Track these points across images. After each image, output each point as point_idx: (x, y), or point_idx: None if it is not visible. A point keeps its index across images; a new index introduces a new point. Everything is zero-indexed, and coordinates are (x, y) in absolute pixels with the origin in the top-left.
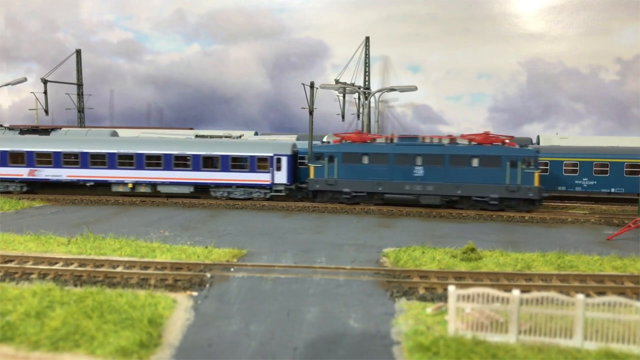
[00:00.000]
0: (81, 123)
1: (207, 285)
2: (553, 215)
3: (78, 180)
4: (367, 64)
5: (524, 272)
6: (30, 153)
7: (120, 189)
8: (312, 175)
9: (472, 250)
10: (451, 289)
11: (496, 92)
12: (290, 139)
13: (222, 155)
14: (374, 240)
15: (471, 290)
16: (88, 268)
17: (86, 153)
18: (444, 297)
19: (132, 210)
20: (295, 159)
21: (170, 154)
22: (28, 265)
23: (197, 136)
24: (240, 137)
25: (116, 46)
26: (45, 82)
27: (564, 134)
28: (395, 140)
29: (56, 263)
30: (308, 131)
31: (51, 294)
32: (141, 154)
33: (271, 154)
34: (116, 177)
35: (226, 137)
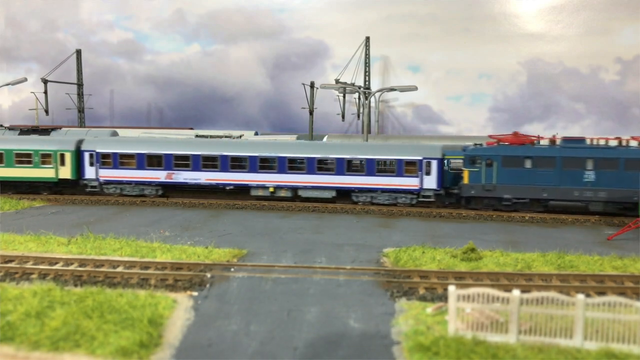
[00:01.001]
0: (81, 123)
1: (208, 285)
2: (553, 216)
3: (217, 184)
4: (367, 64)
5: (524, 272)
6: (168, 156)
7: (260, 192)
8: (466, 180)
9: (472, 250)
10: (451, 289)
11: (496, 92)
12: (438, 142)
13: (368, 159)
14: (374, 240)
15: (471, 290)
16: (88, 268)
17: (226, 156)
18: (444, 297)
19: (132, 210)
20: (443, 162)
21: (313, 158)
22: (28, 265)
23: (198, 136)
24: (240, 137)
25: (116, 46)
26: (45, 82)
27: (564, 133)
28: (560, 143)
29: (56, 263)
30: (308, 131)
31: (51, 294)
32: (283, 157)
33: (420, 158)
34: (257, 181)
35: (227, 136)
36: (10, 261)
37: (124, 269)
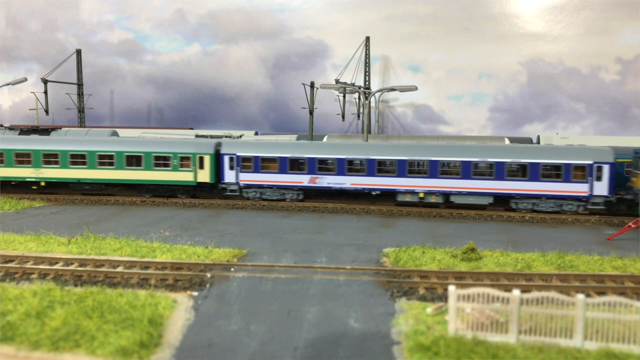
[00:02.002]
0: (81, 123)
1: (208, 285)
2: (553, 215)
3: (363, 188)
4: (367, 63)
5: (524, 272)
6: (312, 159)
7: (408, 198)
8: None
9: (473, 250)
10: (451, 288)
11: (496, 92)
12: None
13: (531, 163)
14: (374, 240)
15: (471, 290)
16: (88, 268)
17: (373, 160)
18: (444, 297)
19: (132, 211)
20: (615, 167)
21: (469, 161)
22: (28, 265)
23: (197, 136)
24: (240, 137)
25: (116, 46)
26: (45, 82)
27: (564, 133)
28: None
29: (56, 263)
30: (308, 131)
31: (51, 294)
32: (435, 161)
33: (590, 162)
34: (405, 186)
35: (227, 136)
36: (11, 261)
37: (124, 269)
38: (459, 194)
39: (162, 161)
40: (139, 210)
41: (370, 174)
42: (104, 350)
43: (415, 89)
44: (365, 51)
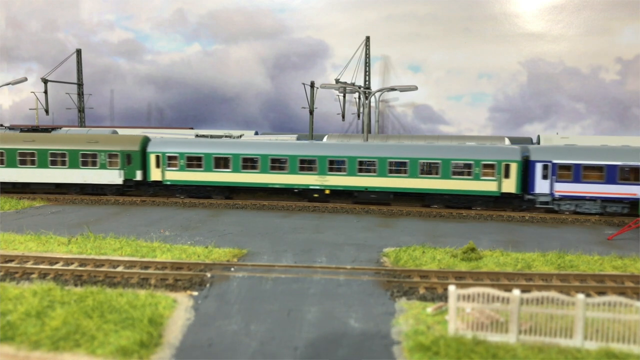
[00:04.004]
0: (81, 123)
1: (208, 285)
2: (553, 215)
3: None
4: (367, 63)
5: (524, 272)
6: None
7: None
8: None
9: (473, 250)
10: (451, 288)
11: (497, 92)
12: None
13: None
14: (374, 240)
15: (471, 290)
16: (88, 268)
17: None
18: (444, 297)
19: (132, 210)
20: None
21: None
22: (28, 265)
23: (198, 136)
24: (240, 136)
25: (116, 46)
26: (45, 81)
27: (564, 133)
28: None
29: (56, 263)
30: (308, 131)
31: (52, 294)
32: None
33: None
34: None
35: (227, 136)
36: (11, 261)
37: (124, 269)
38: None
39: (461, 169)
40: (139, 210)
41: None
42: (104, 350)
43: (415, 88)
44: (365, 51)
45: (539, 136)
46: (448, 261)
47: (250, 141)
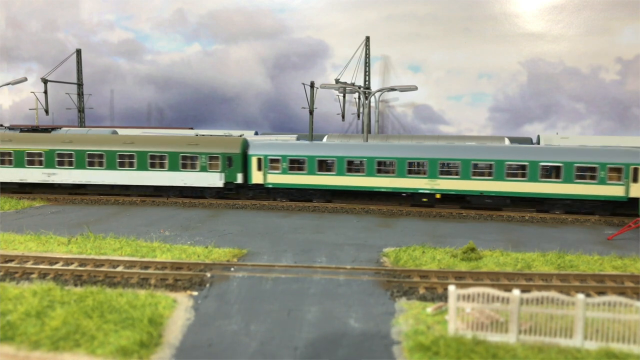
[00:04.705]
0: (81, 123)
1: (208, 285)
2: (553, 215)
3: None
4: (367, 63)
5: (524, 272)
6: None
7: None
8: None
9: (472, 250)
10: (451, 288)
11: (497, 92)
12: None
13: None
14: (374, 240)
15: (471, 290)
16: (88, 268)
17: None
18: (444, 297)
19: (132, 210)
20: None
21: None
22: (28, 265)
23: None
24: (241, 136)
25: (116, 46)
26: (45, 81)
27: (564, 133)
28: None
29: (56, 263)
30: (308, 131)
31: (51, 294)
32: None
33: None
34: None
35: (233, 136)
36: (11, 261)
37: (124, 269)
38: None
39: (585, 173)
40: (139, 210)
41: None
42: (104, 350)
43: (415, 88)
44: (365, 51)
45: (538, 136)
46: (448, 261)
47: (355, 144)
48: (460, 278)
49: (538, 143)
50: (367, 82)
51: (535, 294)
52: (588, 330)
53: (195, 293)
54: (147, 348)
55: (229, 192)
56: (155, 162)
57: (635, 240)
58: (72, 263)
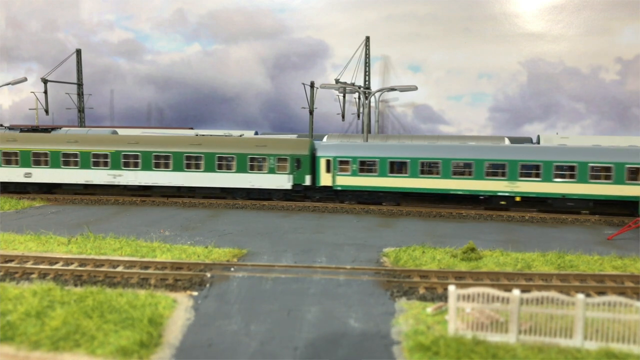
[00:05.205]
0: (81, 123)
1: (208, 285)
2: (553, 215)
3: None
4: (367, 63)
5: (524, 272)
6: None
7: None
8: None
9: (472, 250)
10: (451, 288)
11: (497, 92)
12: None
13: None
14: (374, 240)
15: (471, 290)
16: (88, 268)
17: None
18: (444, 297)
19: (132, 210)
20: None
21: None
22: (28, 265)
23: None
24: (240, 136)
25: (116, 46)
26: (45, 81)
27: (564, 133)
28: None
29: (56, 263)
30: (308, 131)
31: (51, 294)
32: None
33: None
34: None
35: (233, 136)
36: (10, 261)
37: (124, 269)
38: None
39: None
40: (138, 210)
41: None
42: (104, 350)
43: (415, 88)
44: (365, 51)
45: (538, 136)
46: (448, 261)
47: (430, 145)
48: (460, 278)
49: (538, 143)
50: (367, 82)
51: (535, 294)
52: (588, 330)
53: (195, 293)
54: (147, 348)
55: (296, 194)
56: (223, 163)
57: (635, 240)
58: (72, 263)
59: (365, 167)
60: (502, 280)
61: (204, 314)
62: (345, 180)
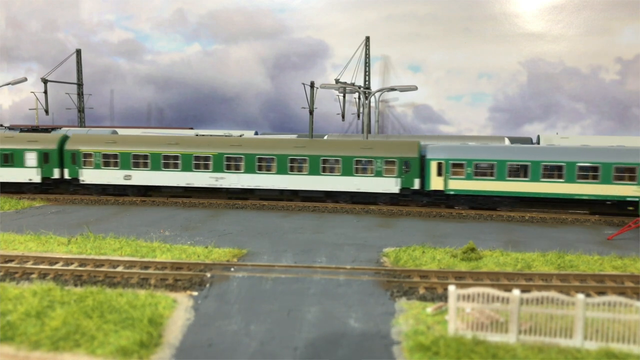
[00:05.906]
0: (81, 123)
1: (208, 285)
2: (553, 215)
3: None
4: (367, 63)
5: (524, 272)
6: None
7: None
8: None
9: (472, 250)
10: (451, 288)
11: (497, 92)
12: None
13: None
14: (374, 240)
15: (471, 290)
16: (88, 268)
17: None
18: (444, 297)
19: (132, 210)
20: None
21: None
22: (28, 265)
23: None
24: (240, 136)
25: (116, 46)
26: (45, 81)
27: (564, 133)
28: None
29: (56, 263)
30: (308, 131)
31: (51, 294)
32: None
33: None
34: None
35: (233, 136)
36: (10, 261)
37: (124, 269)
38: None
39: None
40: (138, 210)
41: None
42: (104, 350)
43: (415, 88)
44: (365, 51)
45: (538, 136)
46: (448, 261)
47: (552, 147)
48: (460, 278)
49: (538, 143)
50: (367, 82)
51: (535, 294)
52: (588, 330)
53: (195, 293)
54: (147, 348)
55: (404, 199)
56: (327, 166)
57: (635, 240)
58: (72, 263)
59: (481, 170)
60: (502, 280)
61: (204, 314)
62: (459, 184)
